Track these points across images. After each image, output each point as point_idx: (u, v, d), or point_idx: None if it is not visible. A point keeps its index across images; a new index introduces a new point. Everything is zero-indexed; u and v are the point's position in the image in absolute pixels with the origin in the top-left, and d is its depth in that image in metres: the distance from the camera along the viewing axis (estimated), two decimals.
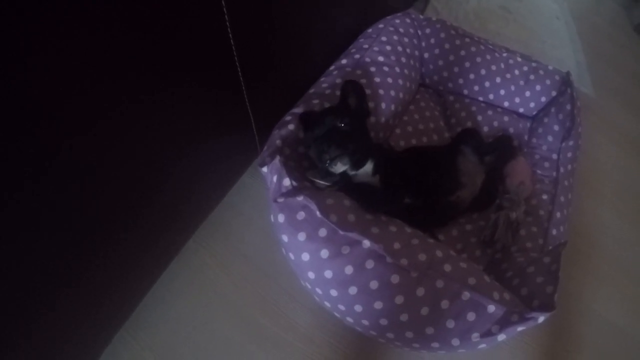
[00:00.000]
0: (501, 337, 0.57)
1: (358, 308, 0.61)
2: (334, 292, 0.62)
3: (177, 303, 0.78)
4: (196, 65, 0.56)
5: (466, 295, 0.58)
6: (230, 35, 0.58)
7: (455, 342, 0.59)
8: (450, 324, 0.58)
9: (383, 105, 0.85)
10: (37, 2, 0.32)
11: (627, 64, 1.71)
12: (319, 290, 0.64)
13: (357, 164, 0.71)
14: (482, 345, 0.59)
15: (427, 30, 1.03)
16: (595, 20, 1.91)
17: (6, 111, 0.34)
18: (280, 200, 0.62)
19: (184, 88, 0.56)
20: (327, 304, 0.66)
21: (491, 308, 0.57)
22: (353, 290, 0.60)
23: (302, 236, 0.60)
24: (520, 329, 0.56)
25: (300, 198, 0.61)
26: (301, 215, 0.61)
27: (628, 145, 1.34)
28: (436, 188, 0.81)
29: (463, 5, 1.53)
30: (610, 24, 1.93)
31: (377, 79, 0.86)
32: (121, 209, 0.55)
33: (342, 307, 0.63)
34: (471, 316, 0.58)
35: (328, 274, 0.60)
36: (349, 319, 0.65)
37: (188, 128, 0.62)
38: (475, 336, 0.58)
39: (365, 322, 0.62)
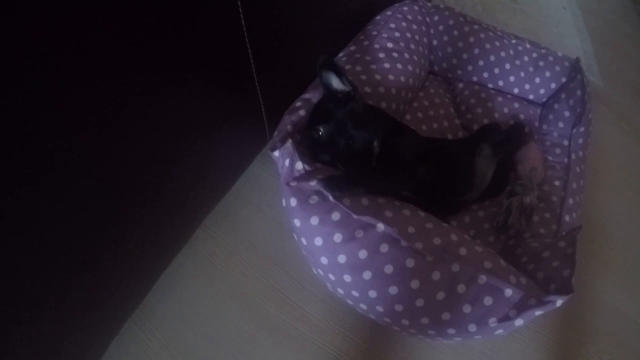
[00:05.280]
0: (519, 322, 0.56)
1: (372, 294, 0.60)
2: (347, 278, 0.60)
3: (185, 293, 0.77)
4: (209, 53, 0.56)
5: (482, 279, 0.57)
6: (243, 22, 0.57)
7: (472, 327, 0.58)
8: (467, 308, 0.57)
9: (393, 91, 0.84)
10: None
11: (634, 55, 1.70)
12: (331, 277, 0.63)
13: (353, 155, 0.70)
14: (499, 331, 0.58)
15: (436, 18, 1.01)
16: (602, 11, 1.89)
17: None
18: (293, 184, 0.61)
19: (196, 75, 0.56)
20: (340, 291, 0.65)
21: (508, 292, 0.56)
22: (367, 275, 0.59)
23: (314, 220, 0.59)
24: (538, 313, 0.55)
25: (313, 183, 0.60)
26: (314, 199, 0.60)
27: (638, 134, 1.33)
28: (447, 189, 0.79)
29: None
30: (617, 15, 1.91)
31: (387, 65, 0.85)
32: (131, 197, 0.54)
33: (355, 294, 0.62)
34: (488, 300, 0.56)
35: (342, 258, 0.59)
36: (363, 306, 0.64)
37: (199, 115, 0.61)
38: (492, 321, 0.56)
39: (380, 309, 0.61)
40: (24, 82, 0.33)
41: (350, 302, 0.66)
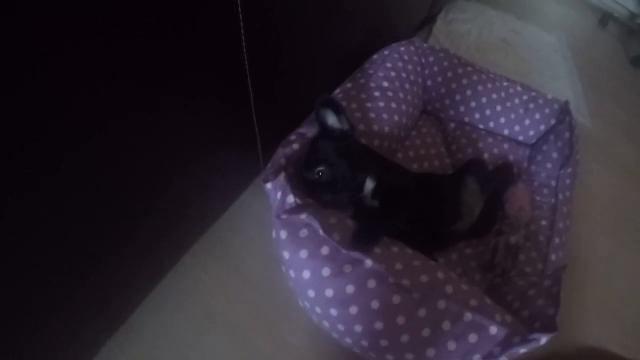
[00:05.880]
0: (502, 359, 0.56)
1: (358, 328, 0.60)
2: (333, 312, 0.61)
3: (169, 318, 0.77)
4: (210, 80, 0.57)
5: (468, 316, 0.58)
6: (245, 52, 0.59)
7: None
8: (452, 345, 0.58)
9: (386, 129, 0.87)
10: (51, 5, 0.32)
11: (623, 96, 1.75)
12: (318, 310, 0.63)
13: (352, 193, 0.72)
14: None
15: (431, 59, 1.05)
16: (593, 54, 1.96)
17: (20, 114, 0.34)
18: (284, 216, 0.62)
19: (195, 100, 0.57)
20: (326, 324, 0.65)
21: (493, 329, 0.57)
22: (354, 309, 0.59)
23: (304, 253, 0.61)
24: (522, 350, 0.56)
25: (303, 216, 0.61)
26: (304, 232, 0.61)
27: (625, 174, 1.36)
28: (435, 219, 0.81)
29: (465, 37, 1.57)
30: (607, 57, 1.98)
31: (381, 104, 0.88)
32: (120, 218, 0.55)
33: (341, 327, 0.62)
34: (473, 338, 0.57)
35: (329, 292, 0.60)
36: (348, 340, 0.64)
37: (196, 140, 0.62)
38: (476, 358, 0.57)
39: (365, 343, 0.62)
40: (24, 82, 0.33)
41: (335, 336, 0.67)
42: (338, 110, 0.73)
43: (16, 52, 0.31)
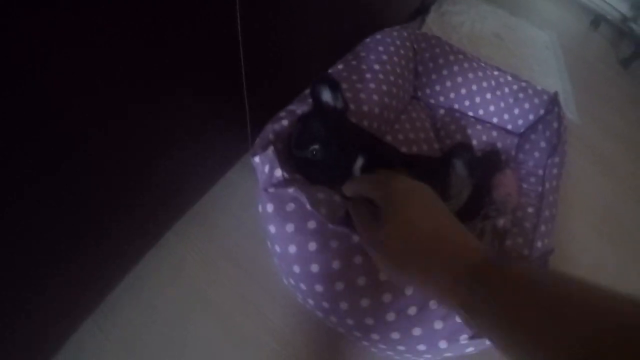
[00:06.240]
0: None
1: (344, 305, 0.59)
2: (319, 288, 0.60)
3: (150, 295, 0.75)
4: (203, 59, 0.56)
5: None
6: (239, 29, 0.57)
7: (443, 344, 0.57)
8: (439, 324, 0.57)
9: (376, 110, 0.86)
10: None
11: (611, 95, 1.78)
12: (303, 286, 0.62)
13: (343, 171, 0.71)
14: (470, 349, 0.58)
15: (423, 45, 1.05)
16: (583, 53, 1.99)
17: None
18: (271, 190, 0.61)
19: (187, 79, 0.56)
20: (311, 302, 0.64)
21: None
22: (339, 285, 0.58)
23: (290, 227, 0.59)
24: None
25: (291, 190, 0.60)
26: (290, 206, 0.60)
27: (609, 170, 1.38)
28: None
29: (457, 29, 1.57)
30: (597, 58, 2.01)
31: (372, 85, 0.87)
32: (105, 195, 0.53)
33: (326, 305, 0.61)
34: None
35: (314, 267, 0.59)
36: (333, 318, 0.63)
37: (186, 117, 0.61)
38: (463, 338, 0.56)
39: (350, 321, 0.61)
40: (24, 82, 0.33)
41: (320, 314, 0.66)
42: (335, 88, 0.72)
43: (16, 52, 0.31)
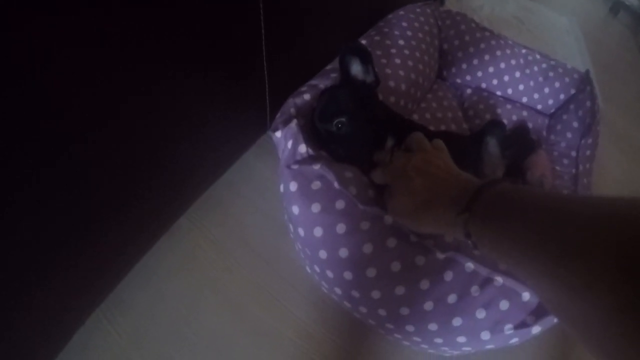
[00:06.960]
0: (536, 329, 0.50)
1: (376, 294, 0.54)
2: (348, 275, 0.54)
3: (162, 286, 0.69)
4: (222, 38, 0.53)
5: (498, 281, 0.51)
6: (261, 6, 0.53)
7: (486, 335, 0.52)
8: (481, 313, 0.51)
9: (403, 87, 0.80)
10: None
11: (632, 82, 1.73)
12: (329, 274, 0.56)
13: (372, 149, 0.64)
14: (515, 340, 0.52)
15: (448, 22, 0.99)
16: (603, 39, 1.93)
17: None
18: (294, 167, 0.55)
19: (205, 58, 0.52)
20: (338, 291, 0.58)
21: (526, 296, 0.51)
22: (371, 272, 0.53)
23: (316, 207, 0.54)
24: (556, 319, 0.49)
25: (316, 166, 0.55)
26: (316, 184, 0.55)
27: (637, 155, 1.33)
28: None
29: (477, 12, 1.52)
30: (617, 44, 1.96)
31: (398, 60, 0.81)
32: (121, 178, 0.50)
33: (356, 294, 0.56)
34: (504, 305, 0.51)
35: (343, 252, 0.53)
36: (362, 309, 0.57)
37: (204, 98, 0.57)
38: (508, 328, 0.51)
39: (383, 312, 0.55)
40: (24, 82, 0.32)
41: (348, 305, 0.60)
42: (366, 60, 0.65)
43: (16, 52, 0.31)
